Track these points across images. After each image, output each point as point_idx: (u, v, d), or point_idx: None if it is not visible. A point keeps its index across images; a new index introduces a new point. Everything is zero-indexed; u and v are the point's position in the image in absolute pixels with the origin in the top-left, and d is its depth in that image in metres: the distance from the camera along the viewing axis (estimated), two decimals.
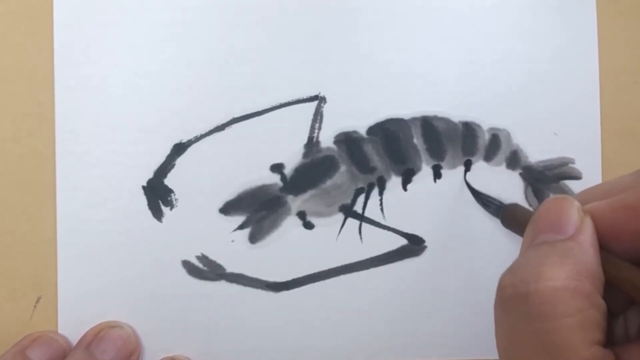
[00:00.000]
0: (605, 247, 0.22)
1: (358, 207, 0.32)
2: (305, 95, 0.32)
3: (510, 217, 0.29)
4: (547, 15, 0.32)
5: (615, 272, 0.21)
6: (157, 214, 0.32)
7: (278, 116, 0.32)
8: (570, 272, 0.20)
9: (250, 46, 0.32)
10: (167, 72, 0.32)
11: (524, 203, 0.32)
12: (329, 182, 0.32)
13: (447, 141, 0.32)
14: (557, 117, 0.32)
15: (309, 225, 0.32)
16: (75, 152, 0.32)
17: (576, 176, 0.32)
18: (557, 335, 0.19)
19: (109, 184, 0.32)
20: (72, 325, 0.31)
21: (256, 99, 0.32)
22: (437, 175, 0.32)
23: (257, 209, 0.32)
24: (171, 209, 0.32)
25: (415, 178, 0.32)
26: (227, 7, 0.32)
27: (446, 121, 0.32)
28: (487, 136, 0.32)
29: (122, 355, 0.30)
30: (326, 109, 0.32)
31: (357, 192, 0.32)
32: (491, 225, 0.32)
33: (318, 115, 0.32)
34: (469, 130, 0.32)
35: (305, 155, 0.32)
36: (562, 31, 0.32)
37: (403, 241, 0.32)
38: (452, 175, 0.32)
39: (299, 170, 0.32)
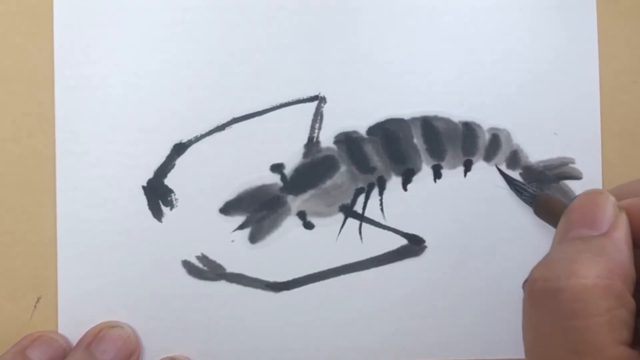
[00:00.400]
0: (638, 245, 0.22)
1: (358, 207, 0.32)
2: (305, 95, 0.32)
3: (543, 206, 0.29)
4: (547, 15, 0.32)
5: None
6: (157, 214, 0.32)
7: (278, 116, 0.32)
8: (603, 270, 0.20)
9: (250, 46, 0.32)
10: (167, 72, 0.32)
11: (524, 203, 0.32)
12: (329, 182, 0.32)
13: (447, 141, 0.32)
14: (557, 117, 0.32)
15: (309, 225, 0.32)
16: (75, 152, 0.32)
17: (576, 176, 0.32)
18: (585, 334, 0.19)
19: (109, 184, 0.32)
20: (72, 325, 0.31)
21: (256, 99, 0.32)
22: (437, 175, 0.32)
23: (257, 209, 0.32)
24: (171, 209, 0.32)
25: (415, 178, 0.32)
26: (227, 7, 0.32)
27: (446, 121, 0.32)
28: (487, 136, 0.32)
29: (122, 355, 0.30)
30: (326, 109, 0.32)
31: (357, 192, 0.32)
32: (491, 225, 0.32)
33: (318, 115, 0.32)
34: (469, 130, 0.32)
35: (305, 155, 0.32)
36: (562, 31, 0.32)
37: (403, 241, 0.32)
38: (452, 175, 0.32)
39: (299, 170, 0.32)
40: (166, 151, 0.32)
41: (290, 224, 0.32)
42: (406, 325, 0.32)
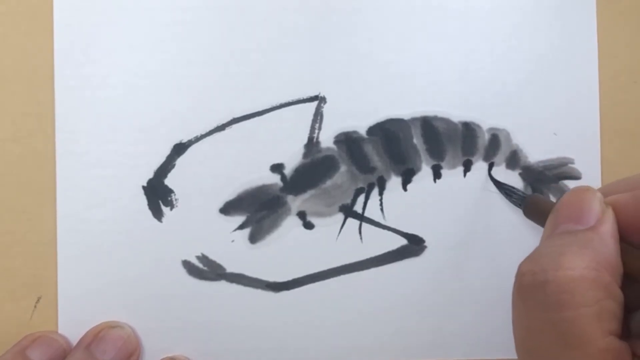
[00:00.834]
0: (625, 239, 0.22)
1: (358, 207, 0.32)
2: (305, 95, 0.32)
3: (532, 207, 0.29)
4: (547, 15, 0.32)
5: (634, 264, 0.21)
6: (157, 214, 0.32)
7: (278, 116, 0.32)
8: (590, 262, 0.20)
9: (250, 46, 0.32)
10: (167, 72, 0.32)
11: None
12: (329, 182, 0.32)
13: (447, 141, 0.32)
14: (557, 117, 0.32)
15: (309, 225, 0.32)
16: (75, 152, 0.32)
17: (576, 176, 0.32)
18: (574, 325, 0.19)
19: (109, 184, 0.32)
20: (72, 325, 0.31)
21: (256, 99, 0.32)
22: (437, 175, 0.32)
23: (257, 209, 0.32)
24: (171, 209, 0.32)
25: (415, 178, 0.32)
26: (227, 7, 0.32)
27: (446, 121, 0.32)
28: (487, 136, 0.32)
29: (122, 356, 0.30)
30: (326, 109, 0.32)
31: (357, 192, 0.32)
32: (491, 225, 0.32)
33: (318, 115, 0.32)
34: (468, 130, 0.32)
35: (305, 155, 0.32)
36: (562, 31, 0.32)
37: (403, 241, 0.32)
38: (452, 175, 0.32)
39: (299, 170, 0.32)
40: (166, 151, 0.32)
41: (290, 224, 0.32)
42: (406, 325, 0.32)
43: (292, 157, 0.32)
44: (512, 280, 0.32)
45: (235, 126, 0.32)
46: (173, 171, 0.32)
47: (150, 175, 0.32)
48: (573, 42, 0.32)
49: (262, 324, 0.32)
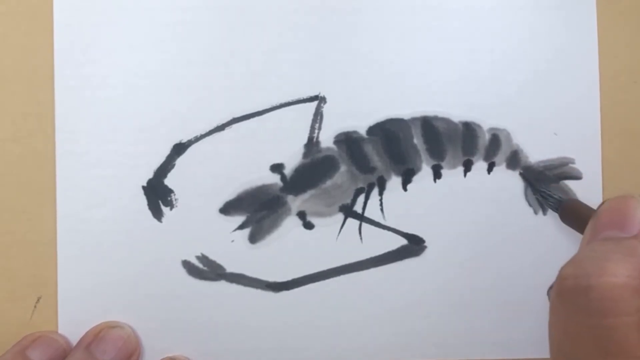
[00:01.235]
0: None
1: (358, 207, 0.32)
2: (305, 95, 0.32)
3: (570, 212, 0.29)
4: (547, 15, 0.32)
5: None
6: (157, 214, 0.32)
7: (278, 116, 0.32)
8: (633, 270, 0.20)
9: (250, 46, 0.32)
10: (167, 72, 0.32)
11: (524, 203, 0.32)
12: (329, 182, 0.32)
13: (447, 141, 0.32)
14: (557, 117, 0.32)
15: (309, 225, 0.32)
16: (75, 152, 0.32)
17: (576, 176, 0.32)
18: (614, 333, 0.19)
19: (109, 184, 0.32)
20: (72, 325, 0.31)
21: (256, 99, 0.32)
22: (437, 175, 0.32)
23: (257, 209, 0.32)
24: (171, 209, 0.32)
25: (415, 178, 0.32)
26: (227, 7, 0.32)
27: (446, 121, 0.32)
28: (487, 136, 0.32)
29: (123, 356, 0.30)
30: (326, 109, 0.32)
31: (357, 192, 0.32)
32: (491, 225, 0.32)
33: (318, 115, 0.32)
34: (469, 130, 0.32)
35: (305, 155, 0.32)
36: (562, 31, 0.32)
37: (403, 241, 0.32)
38: (452, 175, 0.32)
39: (299, 170, 0.32)
40: (166, 151, 0.32)
41: (290, 224, 0.32)
42: (406, 325, 0.32)
43: (292, 157, 0.32)
44: (512, 280, 0.32)
45: (235, 126, 0.32)
46: (173, 171, 0.32)
47: (150, 175, 0.32)
48: (573, 42, 0.32)
49: (262, 324, 0.32)
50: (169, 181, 0.32)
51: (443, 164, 0.32)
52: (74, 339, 0.31)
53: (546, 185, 0.32)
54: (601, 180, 0.32)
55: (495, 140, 0.32)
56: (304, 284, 0.32)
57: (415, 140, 0.32)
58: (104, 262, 0.32)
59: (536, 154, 0.32)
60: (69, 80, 0.32)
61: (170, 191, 0.32)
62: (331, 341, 0.32)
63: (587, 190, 0.32)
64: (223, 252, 0.32)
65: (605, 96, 0.32)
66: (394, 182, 0.32)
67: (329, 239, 0.32)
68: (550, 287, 0.22)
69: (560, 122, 0.32)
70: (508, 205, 0.32)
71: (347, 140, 0.32)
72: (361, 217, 0.32)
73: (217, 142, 0.32)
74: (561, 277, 0.21)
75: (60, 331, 0.31)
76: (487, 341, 0.32)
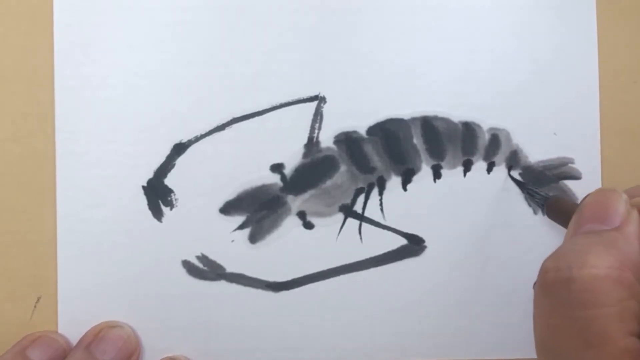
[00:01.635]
0: None
1: (358, 207, 0.32)
2: (305, 95, 0.32)
3: (554, 208, 0.29)
4: (547, 15, 0.32)
5: None
6: (157, 214, 0.32)
7: (278, 116, 0.32)
8: (614, 261, 0.20)
9: (250, 46, 0.32)
10: (167, 72, 0.32)
11: (523, 203, 0.32)
12: (329, 182, 0.32)
13: (447, 141, 0.32)
14: (557, 117, 0.32)
15: (309, 225, 0.32)
16: (75, 152, 0.32)
17: (576, 176, 0.32)
18: (595, 324, 0.20)
19: (109, 184, 0.32)
20: (72, 325, 0.31)
21: (256, 99, 0.32)
22: (437, 175, 0.32)
23: (257, 209, 0.32)
24: (171, 209, 0.32)
25: (415, 178, 0.32)
26: (227, 7, 0.32)
27: (446, 121, 0.32)
28: (487, 136, 0.32)
29: (123, 355, 0.30)
30: (326, 109, 0.32)
31: (357, 192, 0.32)
32: (491, 225, 0.32)
33: (318, 115, 0.32)
34: (469, 130, 0.32)
35: (305, 155, 0.32)
36: (562, 31, 0.32)
37: (403, 241, 0.32)
38: (452, 175, 0.32)
39: (299, 170, 0.32)
40: (166, 151, 0.32)
41: (290, 224, 0.32)
42: (406, 325, 0.32)
43: (292, 157, 0.32)
44: (512, 279, 0.32)
45: (235, 126, 0.32)
46: (173, 171, 0.32)
47: (150, 175, 0.32)
48: (573, 42, 0.32)
49: (262, 324, 0.32)
50: (169, 181, 0.32)
51: (443, 164, 0.32)
52: (74, 339, 0.31)
53: (534, 183, 0.32)
54: (601, 180, 0.32)
55: (495, 140, 0.32)
56: (304, 284, 0.32)
57: (415, 140, 0.32)
58: (104, 262, 0.32)
59: (536, 154, 0.32)
60: (69, 80, 0.32)
61: (170, 191, 0.32)
62: (331, 341, 0.32)
63: (587, 190, 0.32)
64: (223, 252, 0.32)
65: (605, 96, 0.32)
66: (394, 182, 0.32)
67: (329, 239, 0.32)
68: (535, 282, 0.22)
69: (559, 122, 0.32)
70: (508, 205, 0.32)
71: (347, 140, 0.32)
72: (361, 217, 0.32)
73: (217, 142, 0.32)
74: (543, 270, 0.22)
75: (60, 331, 0.31)
76: (487, 341, 0.32)
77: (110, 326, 0.31)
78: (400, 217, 0.32)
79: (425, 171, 0.32)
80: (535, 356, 0.32)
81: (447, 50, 0.32)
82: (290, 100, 0.32)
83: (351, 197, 0.32)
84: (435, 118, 0.32)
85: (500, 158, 0.32)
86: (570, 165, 0.32)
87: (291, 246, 0.32)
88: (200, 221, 0.32)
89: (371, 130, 0.32)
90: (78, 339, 0.31)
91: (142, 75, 0.32)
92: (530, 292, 0.32)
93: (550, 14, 0.32)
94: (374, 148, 0.32)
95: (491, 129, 0.32)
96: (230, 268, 0.32)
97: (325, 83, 0.32)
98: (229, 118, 0.32)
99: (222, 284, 0.32)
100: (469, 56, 0.32)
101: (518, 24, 0.32)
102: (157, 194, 0.32)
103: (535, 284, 0.22)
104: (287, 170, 0.32)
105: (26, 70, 0.32)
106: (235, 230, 0.32)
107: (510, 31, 0.32)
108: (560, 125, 0.32)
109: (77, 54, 0.32)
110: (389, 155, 0.32)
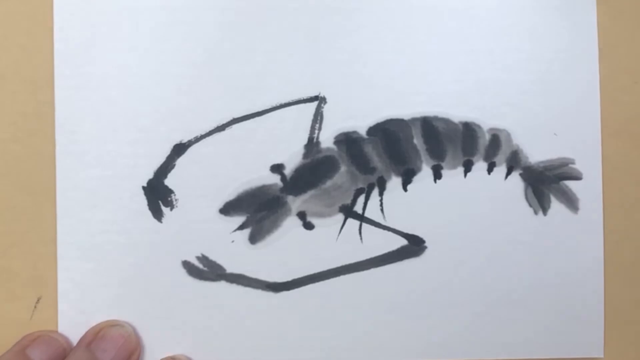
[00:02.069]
0: None
1: (358, 208, 0.32)
2: (305, 96, 0.32)
3: None
4: (547, 15, 0.32)
5: None
6: (157, 214, 0.32)
7: (278, 116, 0.32)
8: None
9: (250, 46, 0.32)
10: (167, 72, 0.32)
11: (524, 203, 0.32)
12: (329, 183, 0.32)
13: (447, 141, 0.32)
14: (557, 118, 0.32)
15: (309, 226, 0.32)
16: (75, 152, 0.32)
17: (576, 176, 0.32)
18: None
19: (109, 184, 0.32)
20: (72, 324, 0.31)
21: (256, 99, 0.32)
22: (437, 175, 0.32)
23: (257, 210, 0.32)
24: (171, 210, 0.32)
25: (416, 178, 0.32)
26: (227, 7, 0.32)
27: (446, 121, 0.32)
28: (487, 136, 0.32)
29: (123, 355, 0.30)
30: (326, 109, 0.32)
31: (357, 193, 0.32)
32: (491, 225, 0.32)
33: (318, 116, 0.32)
34: (469, 130, 0.32)
35: (305, 155, 0.32)
36: (562, 31, 0.32)
37: (403, 241, 0.32)
38: (452, 175, 0.32)
39: (299, 171, 0.32)
40: (166, 151, 0.32)
41: (290, 225, 0.32)
42: (406, 325, 0.32)
43: (292, 157, 0.32)
44: (512, 280, 0.32)
45: (235, 126, 0.32)
46: (173, 171, 0.32)
47: (150, 175, 0.32)
48: (573, 42, 0.32)
49: (262, 324, 0.32)
50: (169, 181, 0.32)
51: (443, 164, 0.32)
52: (74, 339, 0.31)
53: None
54: (601, 180, 0.32)
55: (496, 141, 0.32)
56: (304, 285, 0.32)
57: (415, 141, 0.32)
58: (104, 262, 0.32)
59: (536, 154, 0.32)
60: (69, 80, 0.32)
61: (171, 191, 0.32)
62: (331, 341, 0.32)
63: (587, 191, 0.32)
64: (223, 252, 0.32)
65: (605, 96, 0.32)
66: (394, 182, 0.32)
67: (329, 239, 0.32)
68: None
69: (560, 123, 0.32)
70: (508, 206, 0.32)
71: (347, 141, 0.32)
72: (361, 218, 0.32)
73: (217, 142, 0.32)
74: None
75: (60, 331, 0.31)
76: (487, 341, 0.32)
77: (111, 325, 0.31)
78: (401, 217, 0.32)
79: (425, 171, 0.32)
80: (536, 356, 0.32)
81: (447, 50, 0.32)
82: (290, 101, 0.32)
83: (351, 197, 0.32)
84: (436, 118, 0.32)
85: (500, 158, 0.32)
86: (570, 165, 0.32)
87: (291, 247, 0.32)
88: (200, 221, 0.32)
89: (371, 130, 0.32)
90: (78, 338, 0.31)
91: (142, 75, 0.32)
92: (530, 292, 0.32)
93: (551, 14, 0.32)
94: (374, 148, 0.32)
95: (491, 129, 0.32)
96: (230, 268, 0.32)
97: (325, 83, 0.32)
98: (229, 118, 0.32)
99: (222, 285, 0.32)
100: (469, 56, 0.32)
101: (518, 24, 0.32)
102: (157, 194, 0.32)
103: None
104: (287, 171, 0.32)
105: (26, 70, 0.32)
106: (235, 230, 0.32)
107: (510, 31, 0.32)
108: (560, 126, 0.32)
109: (77, 54, 0.32)
110: (389, 155, 0.32)
